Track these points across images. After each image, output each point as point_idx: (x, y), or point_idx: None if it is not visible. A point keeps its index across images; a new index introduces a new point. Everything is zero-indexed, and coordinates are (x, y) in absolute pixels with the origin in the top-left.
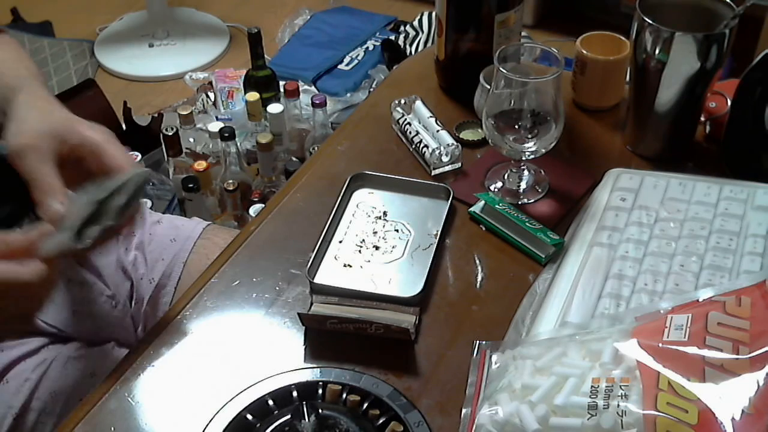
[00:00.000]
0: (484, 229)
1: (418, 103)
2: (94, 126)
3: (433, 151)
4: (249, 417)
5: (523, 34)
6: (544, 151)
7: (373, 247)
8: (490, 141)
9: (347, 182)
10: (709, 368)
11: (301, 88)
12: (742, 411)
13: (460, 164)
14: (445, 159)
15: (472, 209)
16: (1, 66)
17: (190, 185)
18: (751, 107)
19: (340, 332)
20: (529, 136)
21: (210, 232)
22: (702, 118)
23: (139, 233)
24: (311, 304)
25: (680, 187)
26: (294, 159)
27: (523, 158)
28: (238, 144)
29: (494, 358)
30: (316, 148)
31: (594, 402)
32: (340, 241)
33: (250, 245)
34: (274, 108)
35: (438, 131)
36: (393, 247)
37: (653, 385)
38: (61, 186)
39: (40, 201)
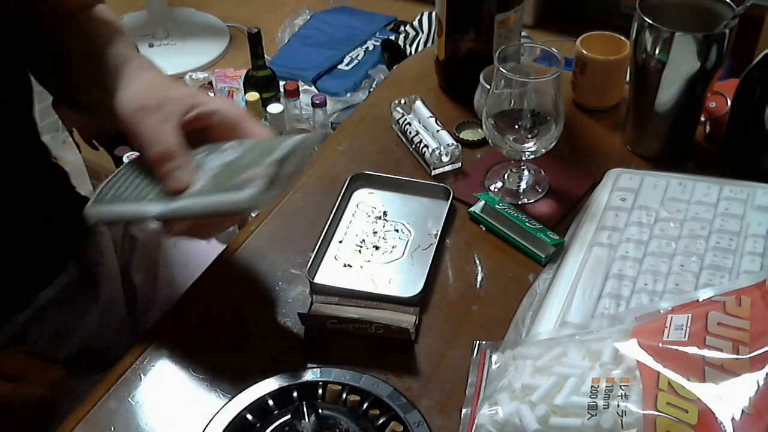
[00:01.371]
0: (484, 229)
1: (418, 103)
2: (224, 98)
3: (433, 151)
4: (249, 417)
5: (523, 34)
6: (544, 151)
7: (373, 247)
8: (490, 141)
9: (347, 182)
10: (709, 368)
11: (301, 88)
12: (742, 411)
13: (460, 164)
14: (445, 159)
15: (472, 209)
16: (118, 39)
17: None
18: (751, 107)
19: (340, 332)
20: (529, 136)
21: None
22: (702, 118)
23: (152, 254)
24: (311, 304)
25: (680, 187)
26: None
27: (523, 158)
28: None
29: (494, 358)
30: (316, 149)
31: (594, 402)
32: (340, 241)
33: (250, 245)
34: (274, 108)
35: (438, 131)
36: (393, 247)
37: (653, 385)
38: (186, 150)
39: (161, 165)
